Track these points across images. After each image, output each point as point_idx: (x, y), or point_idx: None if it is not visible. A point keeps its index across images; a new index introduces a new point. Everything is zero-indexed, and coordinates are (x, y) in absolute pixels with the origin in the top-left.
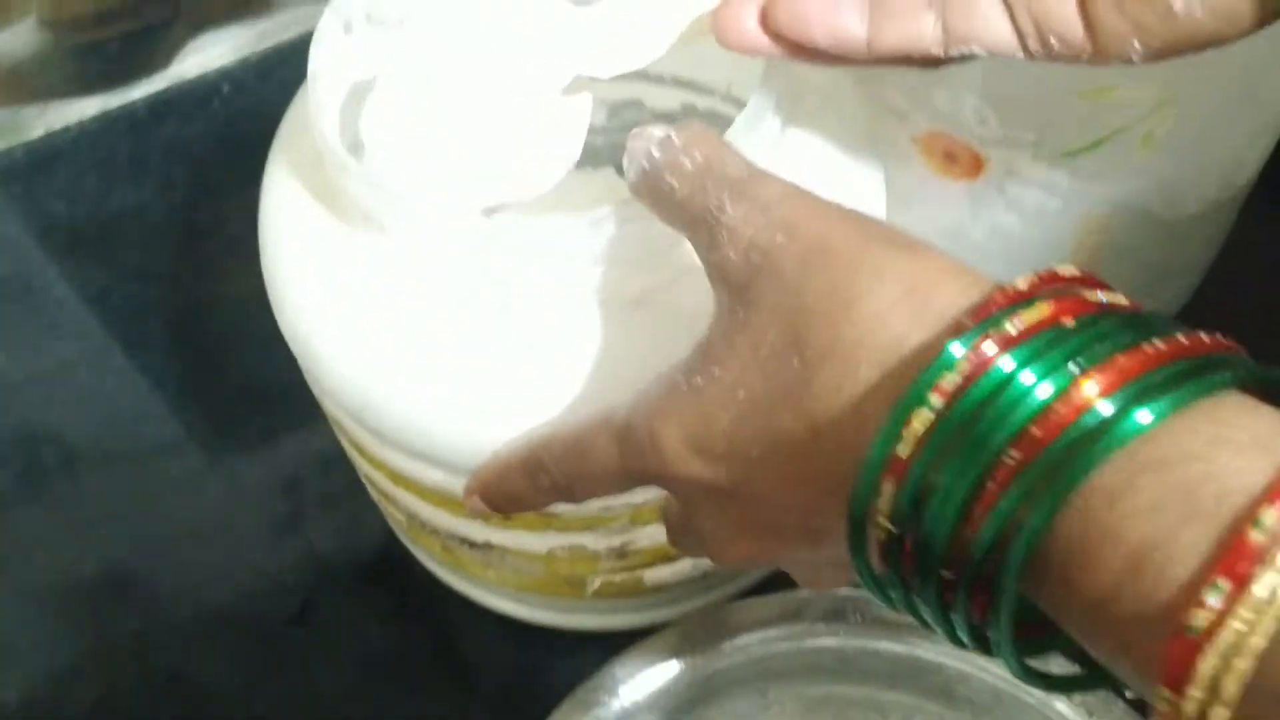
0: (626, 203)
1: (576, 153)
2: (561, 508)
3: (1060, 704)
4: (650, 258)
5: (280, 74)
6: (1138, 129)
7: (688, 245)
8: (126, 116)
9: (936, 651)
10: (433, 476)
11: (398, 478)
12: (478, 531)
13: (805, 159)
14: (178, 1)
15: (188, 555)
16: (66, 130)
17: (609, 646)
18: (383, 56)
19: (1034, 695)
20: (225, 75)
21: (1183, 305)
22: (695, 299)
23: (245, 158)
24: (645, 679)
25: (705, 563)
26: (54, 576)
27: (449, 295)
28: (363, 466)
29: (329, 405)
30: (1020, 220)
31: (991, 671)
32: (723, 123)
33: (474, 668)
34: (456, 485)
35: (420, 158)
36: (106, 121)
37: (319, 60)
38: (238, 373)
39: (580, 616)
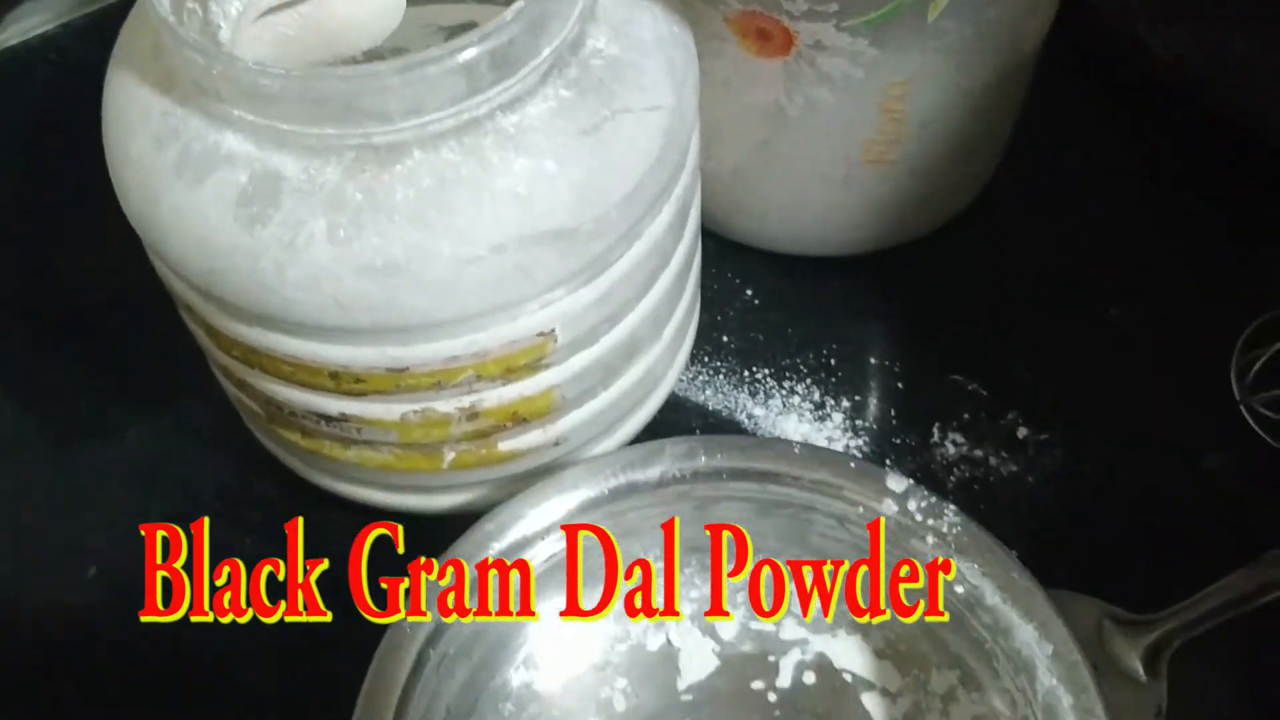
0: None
1: None
2: (408, 363)
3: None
4: None
5: (109, 36)
6: None
7: None
8: None
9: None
10: (285, 345)
11: (252, 356)
12: (332, 404)
13: (619, 41)
14: None
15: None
16: None
17: None
18: None
19: None
20: (50, 42)
21: (989, 177)
22: None
23: (82, 125)
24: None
25: (557, 430)
26: None
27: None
28: (219, 358)
29: (178, 287)
30: (830, 92)
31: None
32: None
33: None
34: (310, 351)
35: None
36: None
37: None
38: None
39: (443, 497)
